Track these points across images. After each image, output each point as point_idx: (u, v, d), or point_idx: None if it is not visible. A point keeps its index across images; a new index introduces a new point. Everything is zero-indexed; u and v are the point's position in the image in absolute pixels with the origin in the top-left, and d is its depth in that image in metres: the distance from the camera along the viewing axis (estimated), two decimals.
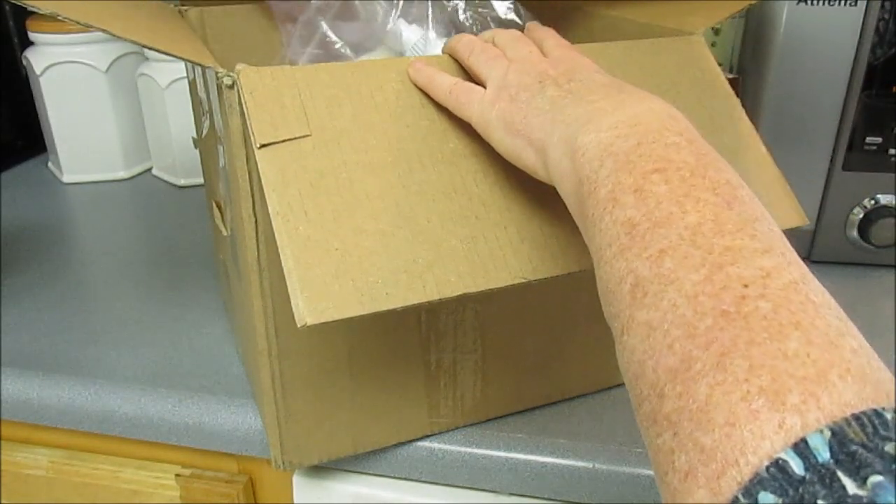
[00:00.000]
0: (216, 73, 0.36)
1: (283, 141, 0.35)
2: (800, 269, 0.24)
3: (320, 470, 0.50)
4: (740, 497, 0.19)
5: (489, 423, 0.49)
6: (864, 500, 0.17)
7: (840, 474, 0.18)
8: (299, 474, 0.51)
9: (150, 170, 0.92)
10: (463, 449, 0.48)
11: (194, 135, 0.59)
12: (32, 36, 0.84)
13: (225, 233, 0.48)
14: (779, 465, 0.19)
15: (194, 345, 0.57)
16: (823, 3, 0.59)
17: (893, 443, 0.18)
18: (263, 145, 0.34)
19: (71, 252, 0.71)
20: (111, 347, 0.57)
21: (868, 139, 0.63)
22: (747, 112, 0.44)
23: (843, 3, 0.59)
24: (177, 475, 0.56)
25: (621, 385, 0.53)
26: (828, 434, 0.19)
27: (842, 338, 0.22)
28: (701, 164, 0.27)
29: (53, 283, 0.66)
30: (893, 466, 0.18)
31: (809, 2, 0.60)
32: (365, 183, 0.35)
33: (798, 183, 0.66)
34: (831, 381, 0.20)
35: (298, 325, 0.31)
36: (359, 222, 0.34)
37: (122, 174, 0.89)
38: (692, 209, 0.26)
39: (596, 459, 0.47)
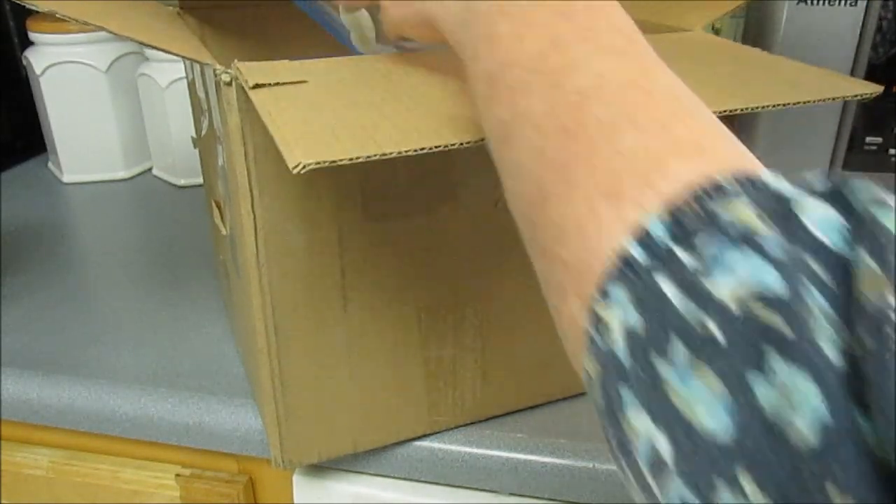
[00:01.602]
0: (214, 70, 0.36)
1: (278, 84, 0.33)
2: (640, 62, 0.24)
3: (320, 470, 0.50)
4: (598, 297, 0.20)
5: (489, 422, 0.49)
6: (700, 269, 0.18)
7: (677, 251, 0.18)
8: (299, 474, 0.51)
9: (150, 170, 0.92)
10: (463, 449, 0.48)
11: (194, 134, 0.59)
12: (32, 36, 0.84)
13: (224, 232, 0.48)
14: (625, 259, 0.19)
15: (194, 345, 0.57)
16: (823, 3, 0.59)
17: (727, 206, 0.19)
18: (257, 85, 0.33)
19: (71, 252, 0.71)
20: (111, 347, 0.57)
21: (868, 139, 0.63)
22: (748, 112, 0.44)
23: (843, 3, 0.59)
24: (177, 475, 0.55)
25: None
26: (665, 216, 0.19)
27: (678, 121, 0.22)
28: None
29: (53, 283, 0.66)
30: (726, 228, 0.18)
31: (809, 2, 0.60)
32: (366, 95, 0.34)
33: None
34: (667, 166, 0.20)
35: (292, 167, 0.28)
36: (359, 112, 0.32)
37: (122, 174, 0.89)
38: (530, 37, 0.25)
39: (596, 459, 0.47)
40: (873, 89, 0.37)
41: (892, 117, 0.62)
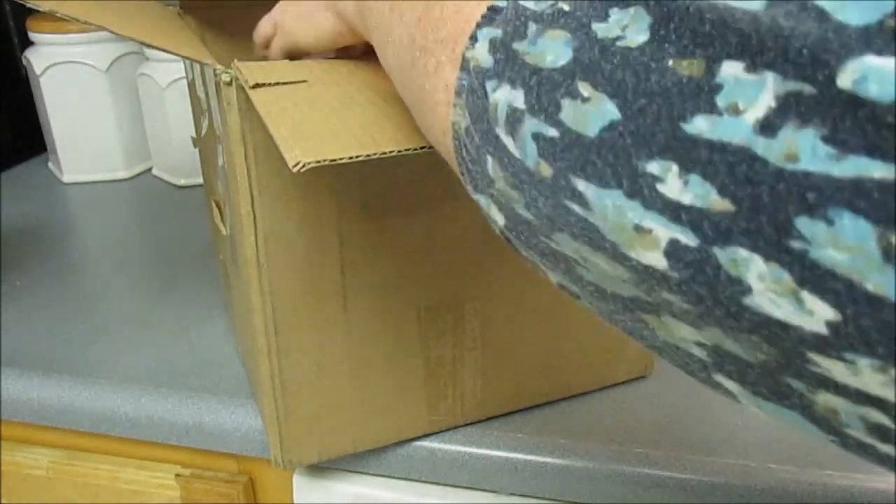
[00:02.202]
0: (214, 70, 0.36)
1: (278, 84, 0.34)
2: None
3: (320, 470, 0.50)
4: (465, 47, 0.23)
5: (489, 422, 0.49)
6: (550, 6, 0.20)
7: None
8: (299, 474, 0.51)
9: (150, 170, 0.92)
10: (463, 449, 0.48)
11: (194, 134, 0.59)
12: (32, 36, 0.84)
13: (224, 232, 0.48)
14: (491, 8, 0.22)
15: (194, 345, 0.57)
16: None
17: None
18: (257, 85, 0.33)
19: (71, 252, 0.71)
20: (111, 347, 0.57)
21: None
22: None
23: None
24: (177, 475, 0.55)
25: (622, 385, 0.53)
26: None
27: None
28: None
29: (53, 283, 0.66)
30: None
31: None
32: (366, 94, 0.35)
33: None
34: None
35: (292, 166, 0.28)
36: (358, 112, 0.33)
37: (122, 174, 0.89)
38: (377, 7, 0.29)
39: (596, 459, 0.47)
40: None
41: None
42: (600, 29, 0.18)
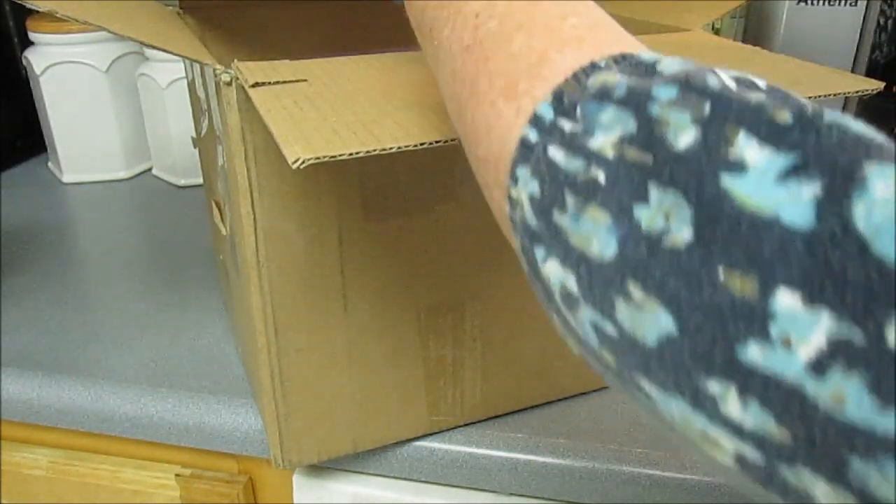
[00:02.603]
0: (214, 70, 0.36)
1: (278, 83, 0.34)
2: None
3: (320, 470, 0.50)
4: (510, 183, 0.22)
5: (489, 422, 0.49)
6: (579, 132, 0.20)
7: (561, 122, 0.21)
8: (299, 474, 0.51)
9: (150, 170, 0.92)
10: (463, 449, 0.48)
11: (194, 134, 0.59)
12: (32, 36, 0.84)
13: (224, 232, 0.48)
14: (524, 143, 0.22)
15: (194, 345, 0.57)
16: (823, 3, 0.59)
17: (597, 77, 0.21)
18: (257, 84, 0.33)
19: (71, 252, 0.71)
20: (111, 347, 0.57)
21: None
22: None
23: (843, 3, 0.59)
24: (177, 475, 0.55)
25: None
26: (550, 98, 0.21)
27: (561, 20, 0.23)
28: None
29: (53, 283, 0.66)
30: (594, 93, 0.20)
31: (809, 2, 0.60)
32: (366, 93, 0.35)
33: None
34: (550, 59, 0.22)
35: (291, 162, 0.28)
36: (358, 108, 0.33)
37: (122, 174, 0.89)
38: None
39: (596, 459, 0.47)
40: (873, 85, 0.38)
41: (893, 117, 0.62)
42: (643, 216, 0.18)
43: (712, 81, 0.19)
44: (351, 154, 0.28)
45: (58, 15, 0.33)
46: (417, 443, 0.48)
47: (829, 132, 0.16)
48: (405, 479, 0.50)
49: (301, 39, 0.59)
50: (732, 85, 0.19)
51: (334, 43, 0.59)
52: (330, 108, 0.31)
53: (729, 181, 0.16)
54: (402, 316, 0.44)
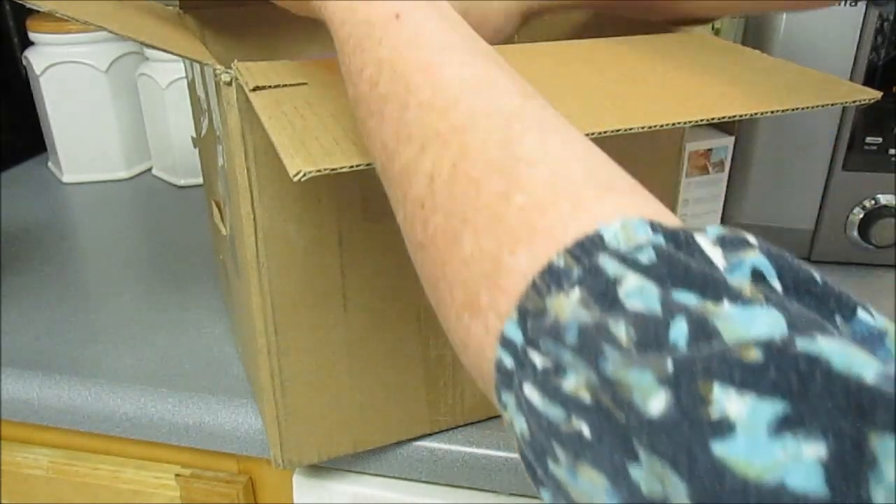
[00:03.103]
0: (214, 70, 0.36)
1: (277, 86, 0.34)
2: (449, 147, 0.23)
3: (320, 470, 0.50)
4: (499, 405, 0.21)
5: (489, 422, 0.49)
6: (550, 369, 0.18)
7: (531, 354, 0.19)
8: (299, 474, 0.51)
9: (150, 170, 0.92)
10: (463, 449, 0.48)
11: (194, 134, 0.59)
12: (32, 36, 0.84)
13: (224, 232, 0.48)
14: (500, 369, 0.20)
15: (194, 345, 0.57)
16: None
17: (555, 301, 0.19)
18: (257, 88, 0.33)
19: (71, 252, 0.71)
20: (111, 347, 0.57)
21: (868, 139, 0.63)
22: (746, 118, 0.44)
23: (843, 3, 0.59)
24: (177, 475, 0.55)
25: None
26: (515, 317, 0.20)
27: (506, 202, 0.21)
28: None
29: (53, 283, 0.66)
30: (557, 329, 0.18)
31: None
32: None
33: (798, 183, 0.66)
34: (504, 263, 0.21)
35: (292, 175, 0.28)
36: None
37: (122, 174, 0.89)
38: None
39: None
40: (871, 95, 0.38)
41: (892, 117, 0.62)
42: (640, 478, 0.16)
43: (677, 317, 0.17)
44: (352, 167, 0.28)
45: (58, 15, 0.33)
46: (417, 443, 0.48)
47: (811, 373, 0.14)
48: (405, 479, 0.50)
49: (301, 39, 0.59)
50: (719, 261, 0.18)
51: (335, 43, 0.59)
52: (330, 116, 0.32)
53: (720, 448, 0.14)
54: (402, 316, 0.44)
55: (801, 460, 0.14)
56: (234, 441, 0.51)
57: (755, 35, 0.68)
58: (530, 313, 0.19)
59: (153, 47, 0.35)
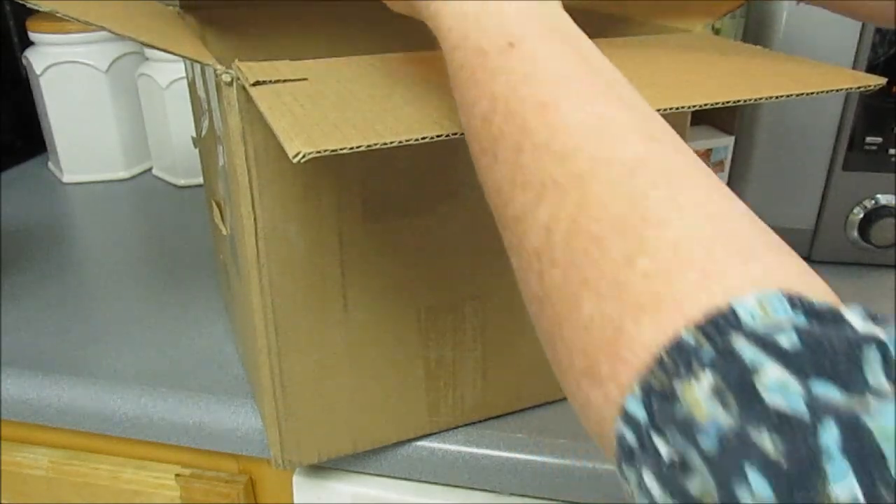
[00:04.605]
0: (215, 70, 0.36)
1: (278, 81, 0.33)
2: (567, 198, 0.22)
3: (320, 470, 0.50)
4: (619, 473, 0.20)
5: (489, 422, 0.49)
6: (675, 462, 0.17)
7: (654, 438, 0.18)
8: (299, 474, 0.51)
9: (150, 170, 0.92)
10: (463, 449, 0.48)
11: (194, 134, 0.59)
12: (32, 36, 0.84)
13: (225, 232, 0.48)
14: (621, 443, 0.19)
15: (194, 345, 0.57)
16: None
17: (685, 388, 0.17)
18: (258, 83, 0.33)
19: (71, 252, 0.71)
20: (111, 347, 0.57)
21: (868, 139, 0.63)
22: (747, 111, 0.44)
23: None
24: (177, 475, 0.55)
25: None
26: (638, 393, 0.18)
27: (630, 267, 0.20)
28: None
29: (53, 283, 0.66)
30: (683, 421, 0.17)
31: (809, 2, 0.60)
32: (366, 91, 0.34)
33: (798, 183, 0.66)
34: (626, 332, 0.19)
35: (292, 156, 0.27)
36: (359, 106, 0.32)
37: (122, 174, 0.89)
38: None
39: (596, 459, 0.47)
40: (876, 81, 0.37)
41: (892, 117, 0.62)
42: None
43: (825, 420, 0.15)
44: (352, 148, 0.27)
45: (58, 15, 0.33)
46: (417, 443, 0.48)
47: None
48: (405, 479, 0.50)
49: (302, 39, 0.59)
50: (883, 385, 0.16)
51: (335, 43, 0.59)
52: (331, 106, 0.31)
53: None
54: (402, 316, 0.44)
55: None
56: (234, 441, 0.51)
57: (755, 35, 0.68)
58: (655, 392, 0.18)
59: (153, 47, 0.35)
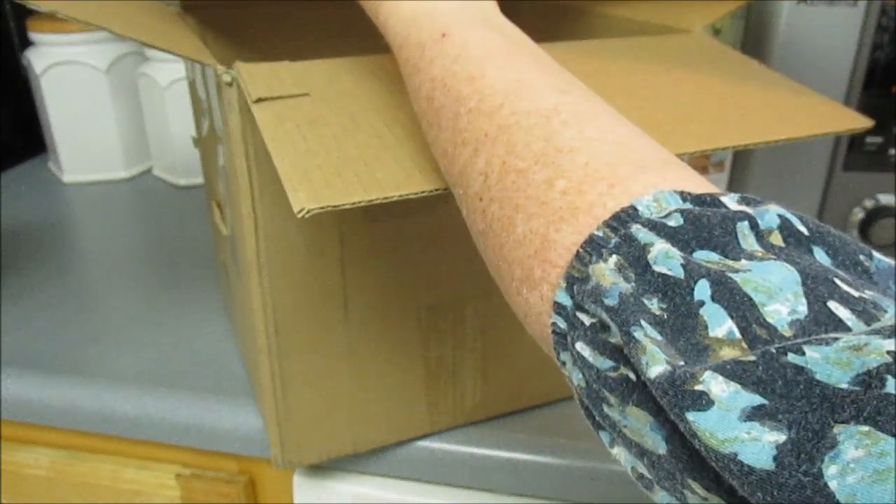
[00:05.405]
0: (215, 70, 0.36)
1: (280, 97, 0.34)
2: (497, 146, 0.26)
3: (320, 470, 0.50)
4: (559, 363, 0.23)
5: (489, 422, 0.49)
6: (595, 323, 0.21)
7: (579, 314, 0.21)
8: (299, 474, 0.51)
9: (150, 170, 0.92)
10: (463, 449, 0.48)
11: (194, 134, 0.59)
12: (32, 36, 0.84)
13: (225, 232, 0.48)
14: (556, 331, 0.23)
15: (194, 345, 0.57)
16: (823, 3, 0.59)
17: (595, 269, 0.21)
18: (260, 99, 0.34)
19: (71, 252, 0.71)
20: (111, 347, 0.57)
21: (868, 139, 0.63)
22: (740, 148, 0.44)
23: (843, 3, 0.59)
24: (177, 475, 0.55)
25: None
26: (564, 285, 0.22)
27: (549, 188, 0.24)
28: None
29: (53, 283, 0.66)
30: (591, 290, 0.21)
31: (809, 2, 0.60)
32: (367, 115, 0.35)
33: (798, 183, 0.66)
34: (551, 240, 0.23)
35: (296, 212, 0.29)
36: (360, 140, 0.33)
37: (122, 174, 0.89)
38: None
39: (596, 459, 0.47)
40: (864, 124, 0.39)
41: (892, 117, 0.62)
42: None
43: (700, 280, 0.19)
44: (353, 203, 0.29)
45: (58, 15, 0.33)
46: (417, 443, 0.48)
47: (794, 379, 0.16)
48: (405, 479, 0.50)
49: (302, 39, 0.59)
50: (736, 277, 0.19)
51: (336, 42, 0.59)
52: (333, 138, 0.32)
53: (693, 416, 0.17)
54: (403, 316, 0.44)
55: (759, 441, 0.16)
56: (234, 441, 0.51)
57: (755, 34, 0.68)
58: (576, 280, 0.21)
59: (153, 47, 0.35)
